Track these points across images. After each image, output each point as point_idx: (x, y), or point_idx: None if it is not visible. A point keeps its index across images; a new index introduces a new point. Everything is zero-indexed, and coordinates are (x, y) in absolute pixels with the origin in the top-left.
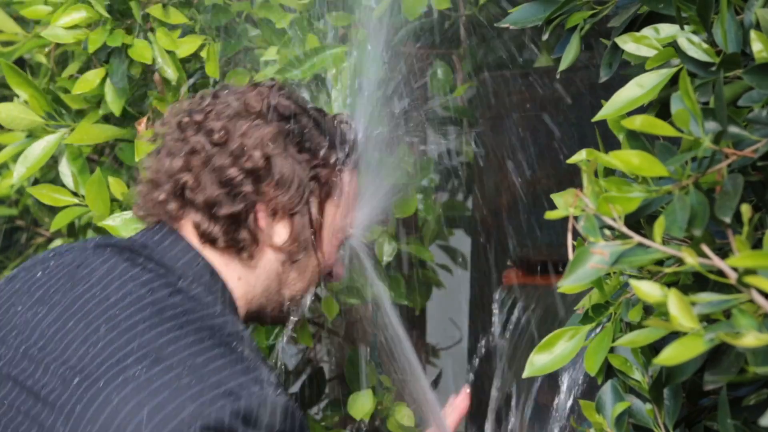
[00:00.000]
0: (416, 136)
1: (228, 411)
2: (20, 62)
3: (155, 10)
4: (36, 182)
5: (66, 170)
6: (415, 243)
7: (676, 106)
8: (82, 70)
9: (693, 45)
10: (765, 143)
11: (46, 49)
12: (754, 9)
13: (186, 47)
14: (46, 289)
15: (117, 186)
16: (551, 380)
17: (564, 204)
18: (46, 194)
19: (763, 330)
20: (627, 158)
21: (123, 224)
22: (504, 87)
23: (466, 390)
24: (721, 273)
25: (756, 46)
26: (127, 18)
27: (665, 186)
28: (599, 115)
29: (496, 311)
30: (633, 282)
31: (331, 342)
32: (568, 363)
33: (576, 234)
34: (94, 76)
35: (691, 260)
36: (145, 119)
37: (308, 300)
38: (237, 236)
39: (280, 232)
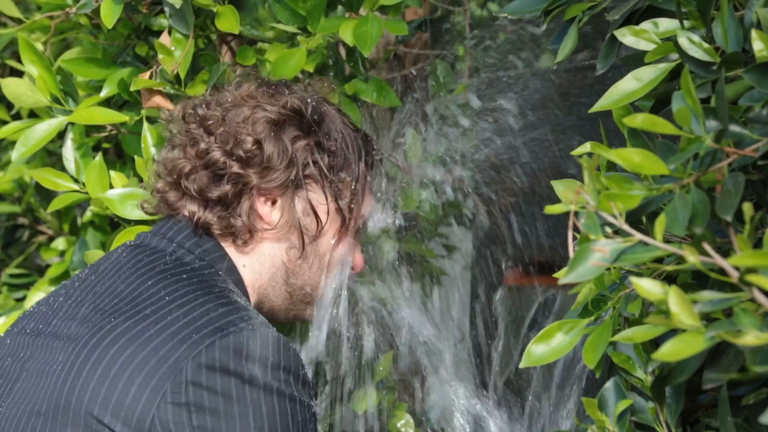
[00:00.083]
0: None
1: (218, 347)
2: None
3: None
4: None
5: (69, 155)
6: (415, 242)
7: (677, 105)
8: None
9: (694, 44)
10: (765, 142)
11: (44, 37)
12: (754, 8)
13: None
14: (80, 283)
15: (119, 179)
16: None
17: (565, 198)
18: (47, 178)
19: (764, 329)
20: (628, 156)
21: (120, 199)
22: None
23: None
24: (721, 271)
25: (757, 45)
26: None
27: (666, 184)
28: (596, 107)
29: (496, 311)
30: (634, 279)
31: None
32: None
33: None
34: None
35: (692, 258)
36: (149, 72)
37: (329, 295)
38: (231, 222)
39: (274, 216)
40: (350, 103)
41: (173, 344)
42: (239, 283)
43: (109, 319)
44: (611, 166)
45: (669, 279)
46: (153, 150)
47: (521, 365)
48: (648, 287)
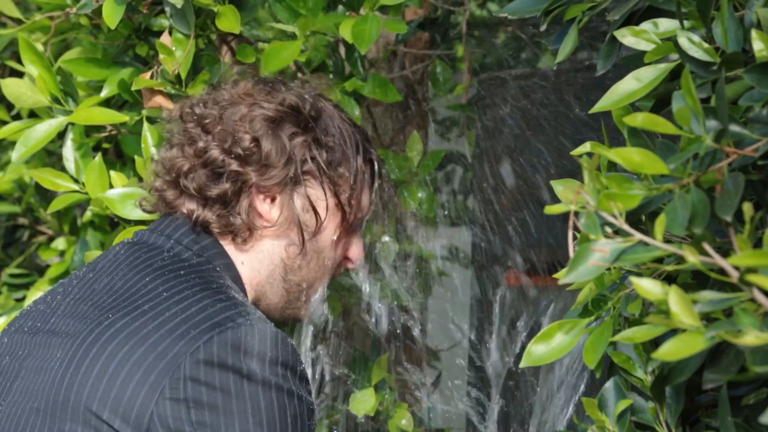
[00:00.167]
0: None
1: (216, 342)
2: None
3: None
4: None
5: (69, 155)
6: (415, 241)
7: (677, 104)
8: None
9: (694, 44)
10: (765, 142)
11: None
12: (754, 8)
13: None
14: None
15: (119, 179)
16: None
17: (565, 198)
18: (47, 178)
19: (764, 329)
20: (628, 155)
21: (120, 199)
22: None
23: None
24: (721, 271)
25: (757, 45)
26: None
27: (666, 184)
28: (596, 107)
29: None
30: (634, 279)
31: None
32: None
33: (576, 231)
34: None
35: (692, 258)
36: (149, 72)
37: (321, 292)
38: (230, 221)
39: (273, 213)
40: (350, 101)
41: (171, 340)
42: (237, 279)
43: (107, 315)
44: (611, 167)
45: (669, 279)
46: (153, 150)
47: (521, 365)
48: (648, 287)
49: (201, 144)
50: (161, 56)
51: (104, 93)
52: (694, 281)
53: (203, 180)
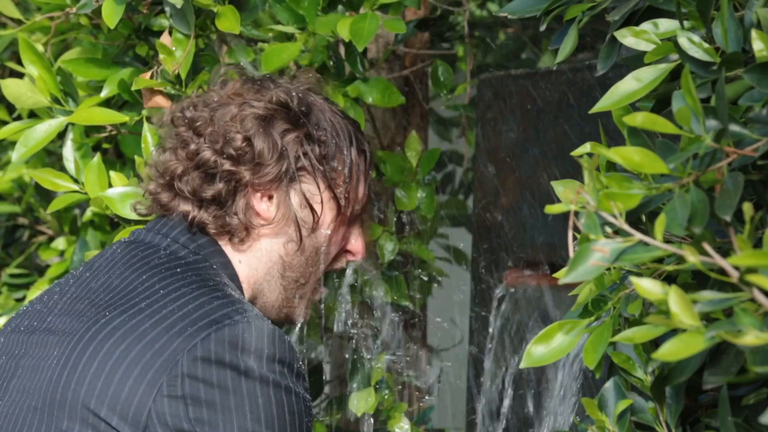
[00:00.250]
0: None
1: (213, 339)
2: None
3: None
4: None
5: (69, 155)
6: (415, 241)
7: (677, 104)
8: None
9: (694, 44)
10: (765, 142)
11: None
12: (754, 8)
13: None
14: (75, 280)
15: (119, 179)
16: None
17: (565, 198)
18: (47, 179)
19: (764, 329)
20: (628, 155)
21: (120, 199)
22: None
23: None
24: (721, 271)
25: (757, 45)
26: None
27: (666, 183)
28: (596, 108)
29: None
30: (634, 279)
31: (331, 341)
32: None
33: (576, 231)
34: None
35: (692, 258)
36: (149, 72)
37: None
38: (226, 221)
39: (270, 211)
40: (355, 105)
41: (169, 337)
42: (234, 277)
43: (103, 313)
44: (611, 167)
45: (669, 279)
46: (153, 150)
47: (521, 366)
48: (648, 287)
49: (193, 146)
50: (161, 56)
51: (104, 93)
52: (694, 281)
53: (197, 182)
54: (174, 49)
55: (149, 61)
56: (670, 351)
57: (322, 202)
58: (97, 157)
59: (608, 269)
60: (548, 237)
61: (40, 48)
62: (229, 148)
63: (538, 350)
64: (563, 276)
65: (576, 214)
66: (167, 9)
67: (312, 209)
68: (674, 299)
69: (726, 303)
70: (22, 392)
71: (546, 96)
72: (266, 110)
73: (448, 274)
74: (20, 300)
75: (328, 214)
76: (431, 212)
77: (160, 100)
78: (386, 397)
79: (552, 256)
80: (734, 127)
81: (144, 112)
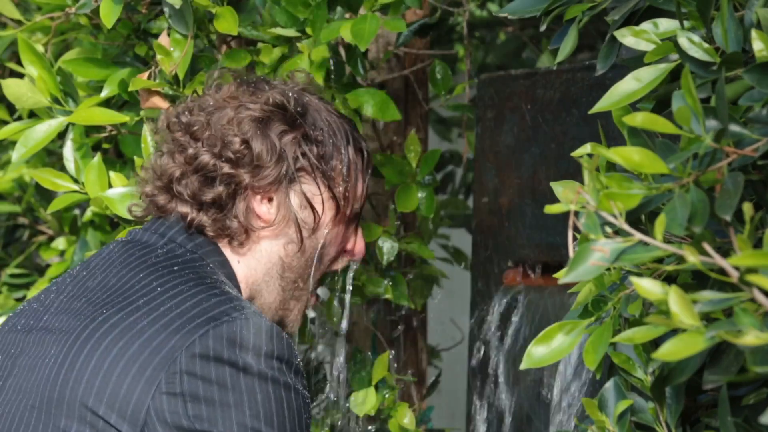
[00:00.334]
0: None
1: (211, 336)
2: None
3: None
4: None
5: (69, 155)
6: (415, 241)
7: (677, 104)
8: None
9: (694, 44)
10: (765, 142)
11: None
12: (754, 8)
13: None
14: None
15: (118, 179)
16: None
17: (565, 198)
18: (47, 179)
19: (764, 329)
20: (628, 155)
21: (120, 199)
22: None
23: None
24: (721, 271)
25: (757, 45)
26: None
27: (666, 183)
28: (596, 108)
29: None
30: (634, 279)
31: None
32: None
33: (576, 231)
34: None
35: (692, 258)
36: (147, 73)
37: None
38: (226, 224)
39: (271, 213)
40: (353, 114)
41: (166, 335)
42: (231, 276)
43: (101, 311)
44: (611, 167)
45: (669, 279)
46: (153, 151)
47: (521, 367)
48: (648, 287)
49: (191, 151)
50: (158, 57)
51: (104, 93)
52: (694, 281)
53: (196, 186)
54: (172, 49)
55: (149, 61)
56: (670, 351)
57: (322, 201)
58: (97, 157)
59: (608, 269)
60: (548, 237)
61: (40, 48)
62: (228, 152)
63: (538, 351)
64: (563, 276)
65: (576, 214)
66: (166, 9)
67: (313, 209)
68: (674, 299)
69: (726, 303)
70: (19, 391)
71: (546, 96)
72: (263, 112)
73: (448, 275)
74: (20, 300)
75: (327, 214)
76: (431, 212)
77: (157, 101)
78: (386, 397)
79: (552, 256)
80: (734, 127)
81: (143, 113)
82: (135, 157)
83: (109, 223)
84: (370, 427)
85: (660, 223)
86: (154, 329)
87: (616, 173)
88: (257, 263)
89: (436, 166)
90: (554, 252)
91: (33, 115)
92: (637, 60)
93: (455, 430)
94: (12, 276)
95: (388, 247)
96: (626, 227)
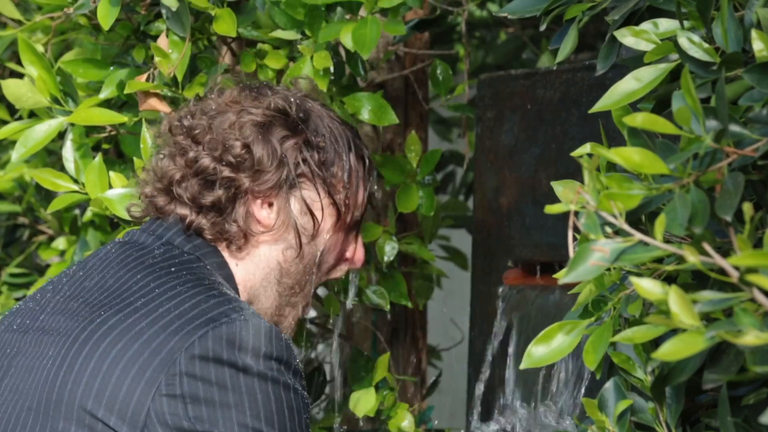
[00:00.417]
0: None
1: (210, 337)
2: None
3: None
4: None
5: (69, 155)
6: (416, 242)
7: (677, 104)
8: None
9: (694, 44)
10: (765, 142)
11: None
12: (754, 8)
13: None
14: (68, 279)
15: (119, 179)
16: None
17: (565, 198)
18: (46, 179)
19: (764, 329)
20: (628, 155)
21: (120, 199)
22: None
23: None
24: (721, 271)
25: (757, 45)
26: None
27: (666, 184)
28: (596, 107)
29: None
30: (634, 279)
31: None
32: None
33: (576, 231)
34: None
35: (692, 258)
36: (145, 75)
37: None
38: (225, 228)
39: (270, 218)
40: (352, 119)
41: (165, 336)
42: (229, 278)
43: (99, 312)
44: (611, 167)
45: (669, 279)
46: (152, 151)
47: (521, 367)
48: (648, 287)
49: (192, 154)
50: (156, 59)
51: (104, 94)
52: (694, 281)
53: (196, 189)
54: (170, 51)
55: (148, 63)
56: (670, 351)
57: (322, 208)
58: (98, 158)
59: (608, 269)
60: (548, 237)
61: (40, 48)
62: (228, 156)
63: (538, 351)
64: (563, 276)
65: (576, 214)
66: (163, 11)
67: (312, 216)
68: (674, 299)
69: (726, 303)
70: (16, 392)
71: (546, 96)
72: (264, 117)
73: (448, 275)
74: (20, 300)
75: (327, 221)
76: (431, 212)
77: (154, 103)
78: (386, 396)
79: (552, 256)
80: (734, 127)
81: (141, 114)
82: (135, 158)
83: (109, 223)
84: (370, 428)
85: (660, 224)
86: (153, 331)
87: (616, 173)
88: (255, 268)
89: (437, 166)
90: (554, 252)
91: (33, 115)
92: (637, 60)
93: (455, 430)
94: (12, 276)
95: (389, 249)
96: (626, 227)
